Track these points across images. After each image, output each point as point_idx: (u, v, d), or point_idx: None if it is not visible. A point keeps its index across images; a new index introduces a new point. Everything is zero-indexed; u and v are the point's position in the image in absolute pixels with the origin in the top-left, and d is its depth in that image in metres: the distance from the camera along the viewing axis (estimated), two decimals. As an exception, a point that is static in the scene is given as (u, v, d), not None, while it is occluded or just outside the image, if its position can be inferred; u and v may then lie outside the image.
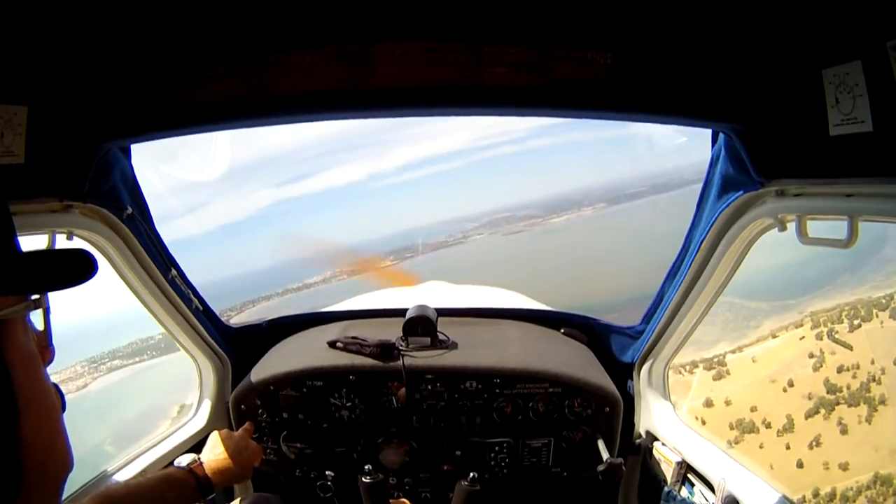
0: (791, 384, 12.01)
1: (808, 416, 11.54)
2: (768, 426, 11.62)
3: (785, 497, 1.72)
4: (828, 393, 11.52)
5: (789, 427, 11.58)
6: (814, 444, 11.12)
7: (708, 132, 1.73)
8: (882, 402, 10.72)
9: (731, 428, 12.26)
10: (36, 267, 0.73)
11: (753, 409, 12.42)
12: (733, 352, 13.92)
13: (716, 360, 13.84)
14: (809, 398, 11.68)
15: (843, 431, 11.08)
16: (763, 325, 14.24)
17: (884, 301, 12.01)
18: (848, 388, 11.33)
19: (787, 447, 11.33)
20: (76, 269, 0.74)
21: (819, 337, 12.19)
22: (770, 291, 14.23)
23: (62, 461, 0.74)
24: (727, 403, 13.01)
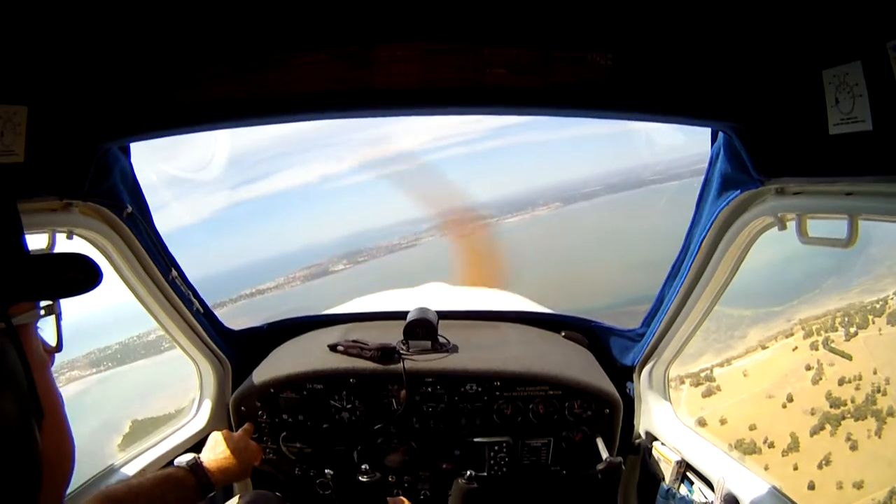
0: (790, 399, 11.34)
1: (814, 433, 10.85)
2: (771, 446, 10.84)
3: (783, 494, 1.73)
4: (831, 407, 10.83)
5: (794, 446, 10.82)
6: (823, 463, 10.39)
7: (706, 130, 1.75)
8: (890, 413, 10.27)
9: (731, 449, 11.07)
10: (49, 275, 0.74)
11: (753, 428, 11.64)
12: (721, 365, 13.24)
13: (703, 374, 13.04)
14: (812, 413, 10.99)
15: (853, 447, 10.40)
16: (749, 335, 13.68)
17: (878, 306, 11.51)
18: (852, 401, 10.70)
19: (795, 468, 10.57)
20: (82, 276, 0.76)
21: (814, 347, 11.63)
22: (752, 298, 13.85)
23: (69, 458, 0.77)
24: (722, 422, 12.16)
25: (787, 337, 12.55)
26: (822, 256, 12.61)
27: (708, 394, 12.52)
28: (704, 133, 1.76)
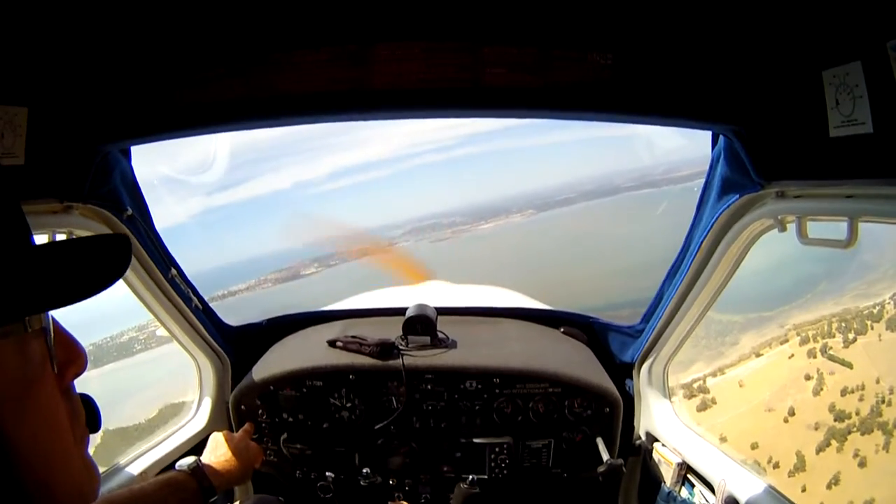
0: (792, 413, 10.78)
1: (820, 449, 10.24)
2: (776, 466, 10.24)
3: (784, 497, 1.77)
4: (836, 420, 10.18)
5: (801, 466, 10.22)
6: (833, 482, 9.73)
7: (707, 133, 1.78)
8: (897, 425, 9.39)
9: (734, 471, 10.30)
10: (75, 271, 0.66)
11: (755, 447, 10.84)
12: (714, 375, 12.59)
13: (696, 385, 12.24)
14: (817, 428, 10.35)
15: (862, 464, 9.81)
16: (741, 342, 13.14)
17: (875, 311, 10.98)
18: (857, 413, 10.05)
19: (804, 490, 9.89)
20: (116, 258, 0.69)
21: (811, 354, 11.09)
22: (742, 303, 13.09)
23: (70, 484, 0.68)
24: (722, 440, 11.04)
25: (781, 343, 12.08)
26: (811, 261, 12.18)
27: (703, 407, 11.88)
28: (688, 137, 1.77)
